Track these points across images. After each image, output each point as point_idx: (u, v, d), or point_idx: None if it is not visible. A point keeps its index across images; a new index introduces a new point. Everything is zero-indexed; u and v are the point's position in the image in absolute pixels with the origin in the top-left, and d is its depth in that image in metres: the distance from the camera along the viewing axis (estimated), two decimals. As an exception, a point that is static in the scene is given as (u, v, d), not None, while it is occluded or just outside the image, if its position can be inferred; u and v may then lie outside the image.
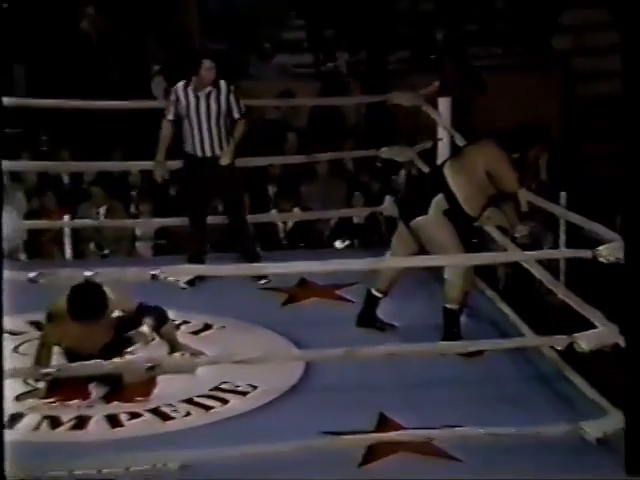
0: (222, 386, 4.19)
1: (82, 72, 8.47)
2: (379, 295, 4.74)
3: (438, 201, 4.53)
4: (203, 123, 5.14)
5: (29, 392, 4.09)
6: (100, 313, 4.01)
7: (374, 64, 8.60)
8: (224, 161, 5.21)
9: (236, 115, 5.20)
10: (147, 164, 5.67)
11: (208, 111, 5.14)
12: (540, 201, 4.59)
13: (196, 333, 4.74)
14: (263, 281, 5.24)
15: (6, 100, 6.45)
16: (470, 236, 4.70)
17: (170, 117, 5.24)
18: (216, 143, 5.18)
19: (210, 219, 5.52)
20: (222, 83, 5.20)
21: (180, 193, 6.21)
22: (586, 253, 3.84)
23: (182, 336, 4.53)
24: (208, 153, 5.17)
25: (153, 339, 4.19)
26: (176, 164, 5.46)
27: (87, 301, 3.94)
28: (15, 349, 4.51)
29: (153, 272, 3.57)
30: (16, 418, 3.91)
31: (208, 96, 5.15)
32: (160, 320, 4.25)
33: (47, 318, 4.18)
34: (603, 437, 3.67)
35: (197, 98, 5.15)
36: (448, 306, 4.58)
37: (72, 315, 4.01)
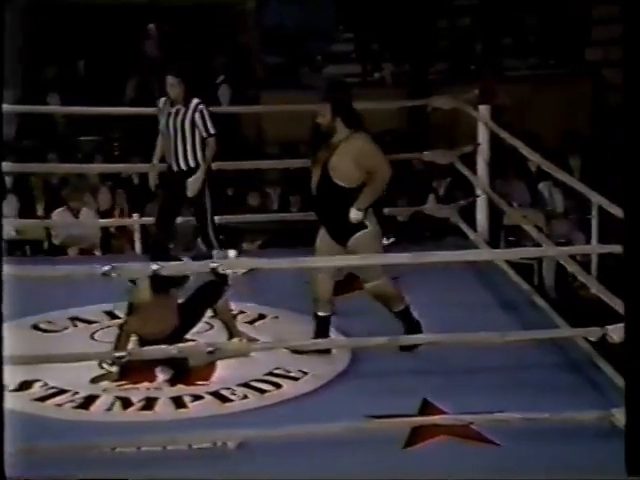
0: (275, 371, 4.17)
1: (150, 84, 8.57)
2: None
3: None
4: (171, 139, 5.05)
5: (104, 375, 4.11)
6: (181, 284, 4.01)
7: (416, 74, 8.55)
8: (190, 193, 5.08)
9: (203, 134, 5.05)
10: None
11: (175, 128, 5.04)
12: (581, 186, 4.42)
13: (251, 322, 4.73)
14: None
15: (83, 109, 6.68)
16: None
17: (160, 128, 5.19)
18: (181, 159, 5.06)
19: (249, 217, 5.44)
20: (193, 102, 5.06)
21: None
22: (616, 248, 3.74)
23: (238, 325, 4.52)
24: (174, 167, 5.09)
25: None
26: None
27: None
28: (91, 336, 4.56)
29: (213, 265, 3.57)
30: (91, 399, 3.95)
31: (177, 113, 5.06)
32: (217, 294, 4.22)
33: (128, 309, 4.19)
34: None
35: (168, 115, 5.08)
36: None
37: (155, 289, 4.01)
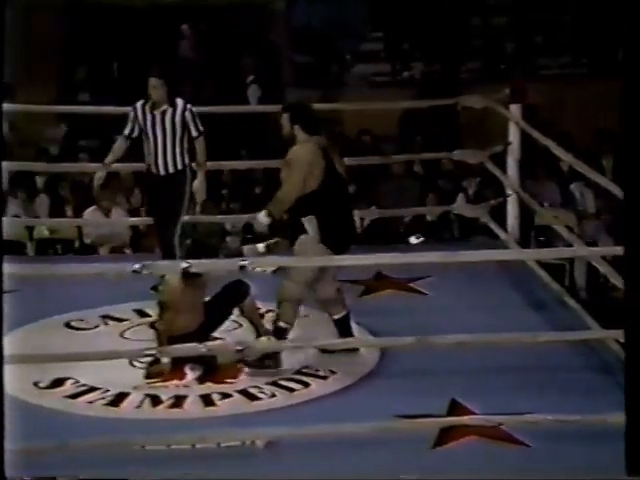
0: (304, 370, 4.18)
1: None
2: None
3: None
4: (158, 142, 4.91)
5: (157, 366, 4.08)
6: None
7: (447, 73, 8.53)
8: (199, 198, 5.04)
9: (194, 134, 4.94)
10: (236, 164, 5.66)
11: (163, 130, 4.90)
12: (613, 187, 4.36)
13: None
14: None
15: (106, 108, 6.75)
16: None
17: (125, 132, 5.04)
18: (170, 162, 4.93)
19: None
20: (179, 102, 4.94)
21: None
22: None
23: (267, 324, 4.54)
24: (162, 171, 4.94)
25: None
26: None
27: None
28: (122, 334, 4.60)
29: (242, 263, 3.58)
30: (122, 396, 3.99)
31: (163, 115, 4.91)
32: (243, 293, 4.24)
33: (159, 307, 4.20)
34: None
35: (153, 117, 4.93)
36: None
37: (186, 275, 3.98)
